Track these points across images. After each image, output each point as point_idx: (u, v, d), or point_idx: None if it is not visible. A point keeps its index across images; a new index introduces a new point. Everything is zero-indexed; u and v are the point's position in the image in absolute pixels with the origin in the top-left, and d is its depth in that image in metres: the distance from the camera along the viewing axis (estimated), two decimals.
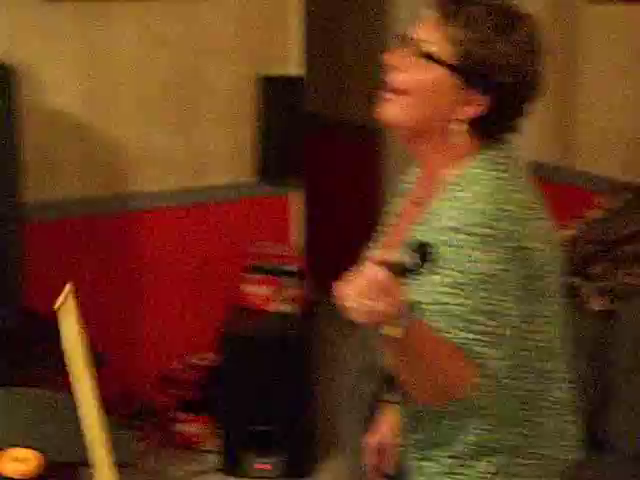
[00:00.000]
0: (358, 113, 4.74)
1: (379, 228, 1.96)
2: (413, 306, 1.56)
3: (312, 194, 4.15)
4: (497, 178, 1.67)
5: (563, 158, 4.03)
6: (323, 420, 3.69)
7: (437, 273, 1.57)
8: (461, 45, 1.62)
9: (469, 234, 1.60)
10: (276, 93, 4.00)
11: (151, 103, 3.92)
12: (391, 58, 1.70)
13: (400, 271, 1.53)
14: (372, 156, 4.75)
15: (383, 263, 1.52)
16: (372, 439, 2.04)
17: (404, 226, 1.79)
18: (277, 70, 4.07)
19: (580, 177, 3.87)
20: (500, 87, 1.64)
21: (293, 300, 3.81)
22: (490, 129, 1.71)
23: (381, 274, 1.49)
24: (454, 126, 1.67)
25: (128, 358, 4.00)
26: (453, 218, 1.62)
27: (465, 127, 1.68)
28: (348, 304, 1.51)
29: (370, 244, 1.92)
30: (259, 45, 4.06)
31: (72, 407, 1.90)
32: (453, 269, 1.60)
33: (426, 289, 1.61)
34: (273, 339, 3.76)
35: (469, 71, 1.63)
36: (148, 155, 3.93)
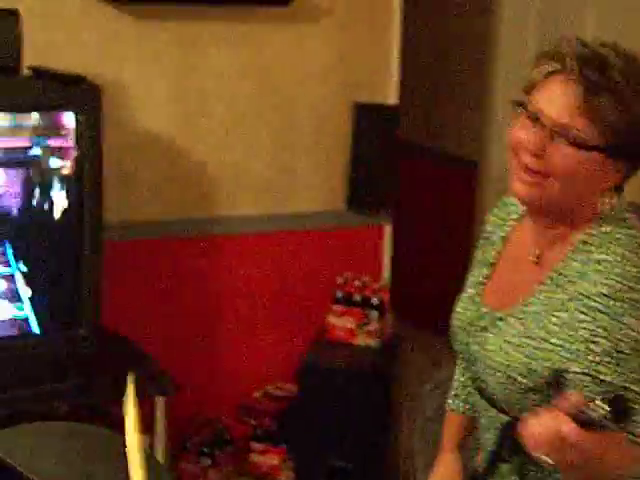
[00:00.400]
0: (454, 144, 4.76)
1: (468, 275, 1.96)
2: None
3: (400, 224, 4.16)
4: (632, 236, 1.70)
5: None
6: (401, 458, 3.70)
7: (592, 342, 1.61)
8: (610, 126, 1.61)
9: (622, 300, 1.62)
10: (370, 121, 4.02)
11: (242, 127, 3.96)
12: (523, 137, 1.66)
13: (590, 424, 1.51)
14: (465, 189, 4.72)
15: (571, 415, 1.49)
16: None
17: (510, 280, 1.83)
18: (372, 98, 4.09)
19: None
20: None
21: (377, 334, 3.80)
22: (621, 188, 1.75)
23: (567, 427, 1.47)
24: (604, 198, 1.71)
25: (206, 385, 4.03)
26: (601, 283, 1.63)
27: (611, 195, 1.71)
28: (532, 449, 1.51)
29: (463, 288, 1.94)
30: (355, 72, 4.08)
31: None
32: (607, 337, 1.62)
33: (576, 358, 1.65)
34: (354, 373, 3.76)
35: (618, 148, 1.65)
36: (236, 179, 3.98)
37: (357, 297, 3.86)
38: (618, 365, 1.62)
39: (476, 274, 1.95)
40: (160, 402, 3.50)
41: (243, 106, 3.94)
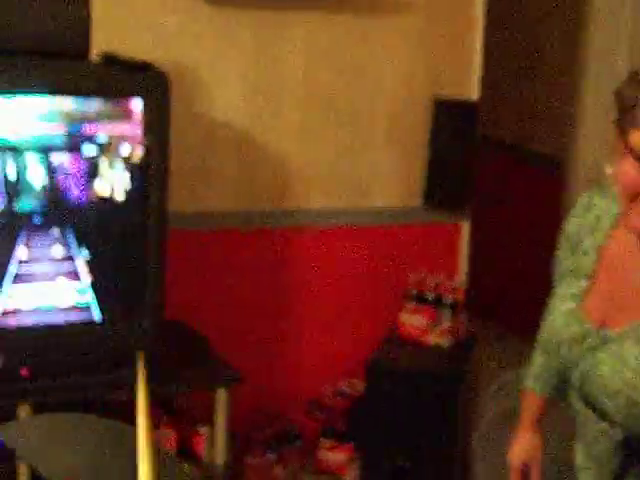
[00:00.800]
0: (539, 142, 4.80)
1: (557, 282, 2.00)
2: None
3: (480, 223, 4.16)
4: None
5: None
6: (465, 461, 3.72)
7: None
8: None
9: None
10: (450, 118, 4.06)
11: (318, 120, 4.02)
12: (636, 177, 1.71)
13: None
14: (549, 188, 4.75)
15: None
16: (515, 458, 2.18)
17: (616, 295, 1.85)
18: (453, 94, 4.11)
19: None
20: None
21: (449, 333, 3.82)
22: None
23: None
24: None
25: (275, 379, 4.11)
26: None
27: None
28: None
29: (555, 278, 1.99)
30: (437, 68, 4.13)
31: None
32: None
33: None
34: (424, 373, 3.80)
35: None
36: (310, 173, 4.02)
37: (430, 295, 3.87)
38: None
39: (572, 286, 1.94)
40: (221, 394, 3.54)
41: (321, 99, 3.99)
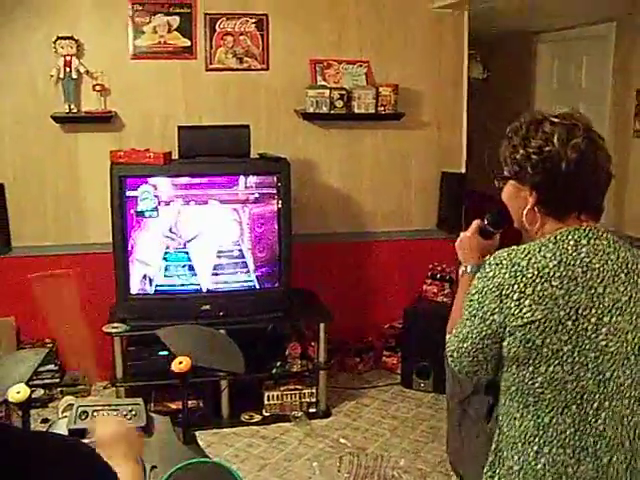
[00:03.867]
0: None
1: None
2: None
3: None
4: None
5: None
6: None
7: None
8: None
9: None
10: (450, 181, 5.92)
11: (380, 185, 6.02)
12: None
13: (485, 234, 2.13)
14: None
15: (479, 226, 2.14)
16: None
17: None
18: (452, 169, 5.93)
19: None
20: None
21: (450, 295, 5.76)
22: None
23: (467, 235, 2.18)
24: None
25: (360, 318, 6.02)
26: None
27: None
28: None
29: None
30: (442, 156, 5.99)
31: (226, 341, 3.13)
32: None
33: None
34: (436, 314, 4.97)
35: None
36: (378, 211, 6.00)
37: (440, 275, 5.90)
38: None
39: None
40: (321, 327, 5.26)
41: (381, 173, 5.97)
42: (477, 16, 5.89)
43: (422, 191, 6.15)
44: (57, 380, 5.64)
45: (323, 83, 5.79)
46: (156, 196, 5.02)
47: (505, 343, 1.94)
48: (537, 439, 1.95)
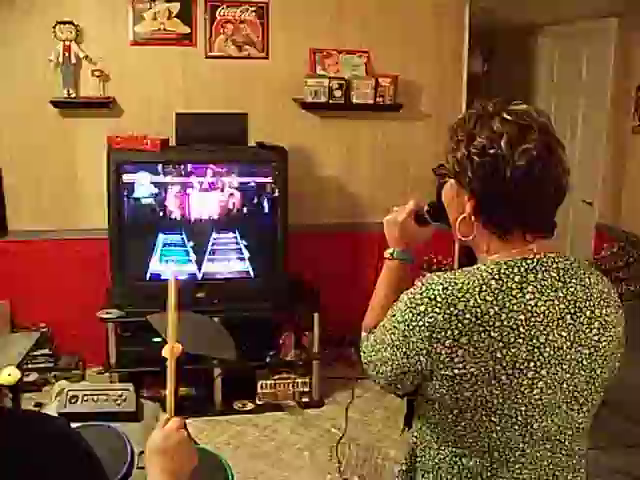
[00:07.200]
0: None
1: None
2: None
3: None
4: None
5: None
6: None
7: None
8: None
9: None
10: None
11: (377, 176, 6.08)
12: None
13: (421, 220, 2.03)
14: None
15: (413, 211, 2.01)
16: None
17: None
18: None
19: None
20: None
21: None
22: None
23: (400, 216, 2.03)
24: None
25: (355, 309, 5.36)
26: None
27: None
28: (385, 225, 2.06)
29: None
30: (440, 143, 5.36)
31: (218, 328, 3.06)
32: None
33: None
34: None
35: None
36: (374, 202, 6.04)
37: (432, 268, 6.07)
38: None
39: None
40: (316, 316, 5.34)
41: (380, 165, 6.01)
42: (478, 9, 5.97)
43: (419, 182, 6.14)
44: (51, 364, 5.68)
45: (322, 73, 5.83)
46: (152, 182, 5.08)
47: (430, 384, 1.76)
48: (451, 477, 1.84)
